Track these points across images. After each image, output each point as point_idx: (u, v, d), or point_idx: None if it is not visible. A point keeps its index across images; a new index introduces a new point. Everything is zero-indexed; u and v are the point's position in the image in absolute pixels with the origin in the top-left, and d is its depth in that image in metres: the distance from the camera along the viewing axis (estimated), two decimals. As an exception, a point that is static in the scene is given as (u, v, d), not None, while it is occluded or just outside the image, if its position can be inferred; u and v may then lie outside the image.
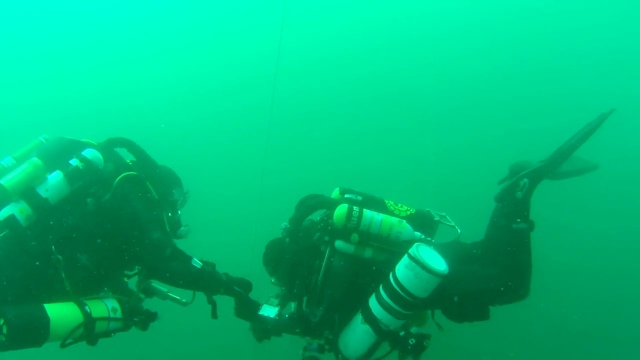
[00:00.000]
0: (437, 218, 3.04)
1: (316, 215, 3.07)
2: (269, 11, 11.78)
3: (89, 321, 2.54)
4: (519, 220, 2.81)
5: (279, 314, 3.00)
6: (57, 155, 2.69)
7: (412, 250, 2.56)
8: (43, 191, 2.53)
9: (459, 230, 3.00)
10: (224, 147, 11.17)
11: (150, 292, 3.10)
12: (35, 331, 2.32)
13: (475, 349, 6.15)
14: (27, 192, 2.49)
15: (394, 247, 2.76)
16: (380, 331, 2.66)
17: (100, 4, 12.76)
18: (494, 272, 2.84)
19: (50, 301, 2.49)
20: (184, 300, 3.22)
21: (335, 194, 3.08)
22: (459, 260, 2.85)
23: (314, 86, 11.46)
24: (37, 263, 2.51)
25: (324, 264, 2.80)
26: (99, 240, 2.69)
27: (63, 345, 2.48)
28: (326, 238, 2.80)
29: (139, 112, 11.50)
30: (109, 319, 2.67)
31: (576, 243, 8.02)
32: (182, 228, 3.21)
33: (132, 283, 3.11)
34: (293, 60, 10.31)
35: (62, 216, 2.60)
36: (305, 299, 2.96)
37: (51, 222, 2.56)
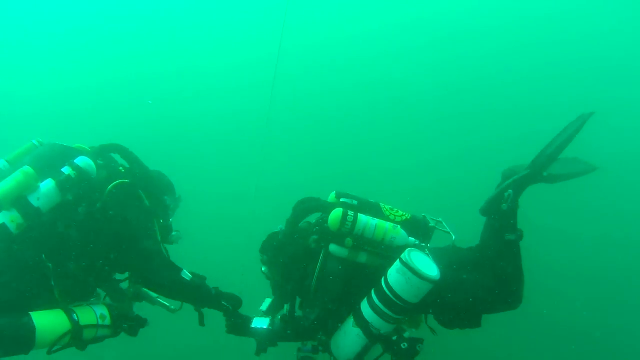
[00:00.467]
0: (432, 224, 3.05)
1: (313, 218, 3.09)
2: (269, 14, 11.80)
3: (77, 329, 2.55)
4: (508, 231, 2.83)
5: (272, 323, 3.00)
6: (49, 162, 2.71)
7: (404, 255, 2.57)
8: (35, 200, 2.53)
9: (453, 237, 3.00)
10: (220, 149, 11.18)
11: (140, 297, 3.11)
12: (21, 339, 2.35)
13: (469, 354, 6.16)
14: (19, 201, 2.50)
15: (388, 252, 2.77)
16: (372, 335, 2.67)
17: (103, 4, 12.77)
18: (486, 281, 2.85)
19: (39, 308, 2.51)
20: (172, 307, 3.23)
21: (331, 197, 3.10)
22: (452, 266, 2.87)
23: (311, 89, 11.46)
24: (27, 271, 2.52)
25: (318, 267, 2.82)
26: (89, 249, 2.70)
27: (50, 352, 2.49)
28: (321, 241, 2.83)
29: (137, 112, 11.52)
30: (97, 326, 2.69)
31: (577, 247, 8.03)
32: (173, 234, 3.23)
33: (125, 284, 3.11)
34: (292, 62, 10.33)
35: (53, 225, 2.62)
36: (298, 301, 2.99)
37: (42, 231, 2.57)
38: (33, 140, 3.00)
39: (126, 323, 2.87)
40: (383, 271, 2.69)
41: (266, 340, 3.00)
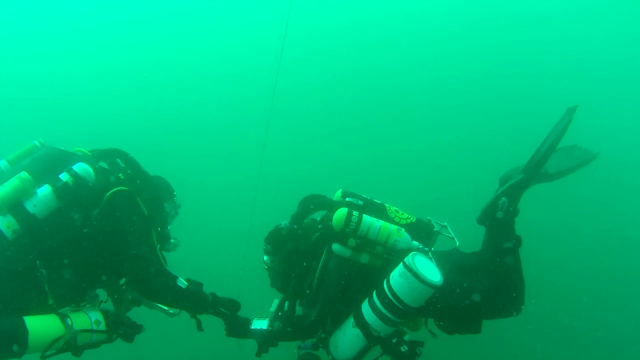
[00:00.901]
0: (437, 228, 3.04)
1: (318, 214, 3.08)
2: (269, 9, 11.77)
3: (71, 333, 2.55)
4: (505, 240, 2.82)
5: (271, 324, 3.00)
6: (47, 167, 2.69)
7: (408, 259, 2.56)
8: (31, 206, 2.52)
9: (457, 243, 2.98)
10: (220, 145, 11.15)
11: (138, 301, 3.11)
12: (14, 343, 2.34)
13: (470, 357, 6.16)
14: (15, 206, 2.49)
15: (391, 255, 2.76)
16: (371, 336, 2.67)
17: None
18: (486, 288, 2.84)
19: (33, 313, 2.51)
20: (171, 311, 3.24)
21: (337, 195, 3.08)
22: (455, 271, 2.86)
23: (313, 85, 11.44)
24: (21, 276, 2.52)
25: (320, 265, 2.82)
26: (84, 256, 2.70)
27: (43, 357, 2.48)
28: (324, 240, 2.82)
29: (134, 104, 11.50)
30: (91, 331, 2.68)
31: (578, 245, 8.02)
32: (171, 241, 3.23)
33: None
34: (298, 56, 10.31)
35: (49, 231, 2.60)
36: (298, 299, 2.99)
37: (37, 237, 2.56)
38: (34, 141, 2.99)
39: (121, 329, 2.87)
40: (385, 272, 2.68)
41: (266, 341, 2.99)
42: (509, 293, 2.83)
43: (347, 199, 2.98)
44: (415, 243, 2.80)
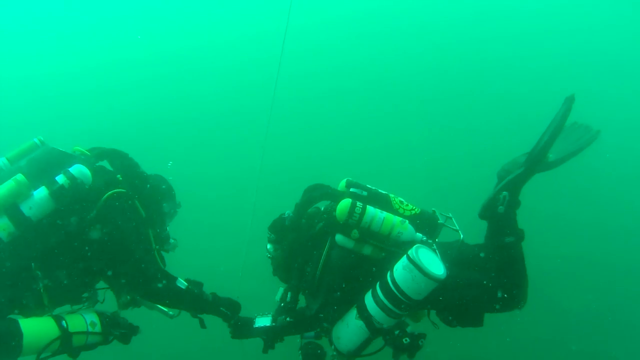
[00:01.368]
0: (441, 220, 3.01)
1: (322, 204, 3.06)
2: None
3: (66, 335, 2.56)
4: (507, 234, 2.80)
5: (274, 320, 3.00)
6: (44, 169, 2.68)
7: (412, 252, 2.55)
8: (27, 209, 2.52)
9: (461, 236, 2.96)
10: (221, 139, 11.13)
11: (137, 303, 3.09)
12: (8, 345, 2.35)
13: (472, 350, 6.17)
14: (11, 209, 2.49)
15: (394, 247, 2.75)
16: (374, 328, 2.67)
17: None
18: (489, 281, 2.83)
19: (28, 315, 2.54)
20: (171, 312, 3.23)
21: (341, 185, 3.06)
22: (459, 264, 2.85)
23: (315, 77, 11.41)
24: (16, 278, 2.53)
25: (323, 254, 2.82)
26: (80, 258, 2.70)
27: (38, 359, 2.49)
28: (327, 230, 2.82)
29: (133, 99, 11.48)
30: (87, 333, 2.68)
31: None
32: (171, 241, 3.23)
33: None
34: (297, 50, 10.27)
35: (44, 233, 2.60)
36: (301, 290, 2.99)
37: (32, 239, 2.56)
38: (34, 139, 2.98)
39: (117, 330, 2.87)
40: (388, 264, 2.68)
41: (272, 337, 3.00)
42: (512, 287, 2.82)
43: (351, 190, 2.95)
44: (419, 235, 2.79)
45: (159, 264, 2.98)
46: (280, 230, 3.04)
